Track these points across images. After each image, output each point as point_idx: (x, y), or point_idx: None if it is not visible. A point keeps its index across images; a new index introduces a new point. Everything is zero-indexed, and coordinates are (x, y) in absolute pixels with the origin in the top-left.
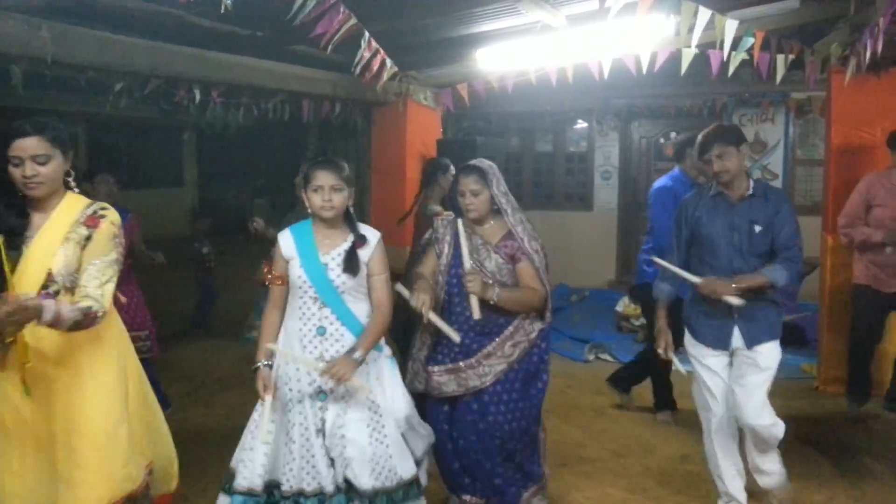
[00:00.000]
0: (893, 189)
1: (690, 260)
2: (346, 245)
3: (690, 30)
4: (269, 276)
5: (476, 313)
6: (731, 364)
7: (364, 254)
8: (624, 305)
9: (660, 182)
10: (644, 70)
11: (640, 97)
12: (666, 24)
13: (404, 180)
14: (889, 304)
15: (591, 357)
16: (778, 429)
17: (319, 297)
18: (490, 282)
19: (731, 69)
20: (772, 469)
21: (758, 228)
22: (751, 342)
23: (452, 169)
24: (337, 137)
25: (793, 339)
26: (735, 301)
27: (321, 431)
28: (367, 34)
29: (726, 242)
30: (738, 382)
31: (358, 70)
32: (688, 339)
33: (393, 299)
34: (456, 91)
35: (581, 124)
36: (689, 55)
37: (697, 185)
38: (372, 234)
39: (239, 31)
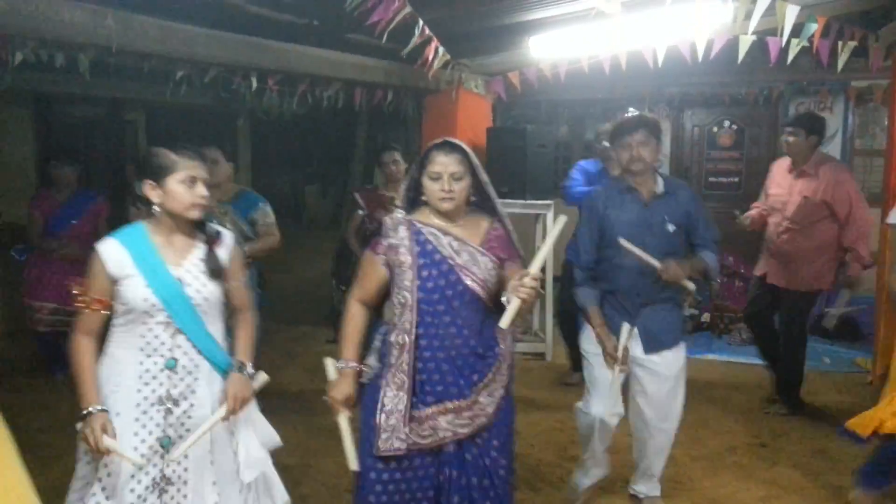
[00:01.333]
0: None
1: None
2: (199, 249)
3: (748, 16)
4: (86, 300)
5: (506, 323)
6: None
7: (223, 254)
8: None
9: None
10: (699, 57)
11: (694, 85)
12: (723, 10)
13: None
14: None
15: None
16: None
17: (174, 322)
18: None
19: (791, 56)
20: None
21: (672, 228)
22: (648, 348)
23: None
24: (386, 125)
25: (846, 332)
26: (690, 286)
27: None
28: (420, 22)
29: (637, 242)
30: (641, 393)
31: (411, 57)
32: (588, 337)
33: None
34: (507, 79)
35: (633, 112)
36: (746, 42)
37: (613, 178)
38: (224, 229)
39: (295, 20)
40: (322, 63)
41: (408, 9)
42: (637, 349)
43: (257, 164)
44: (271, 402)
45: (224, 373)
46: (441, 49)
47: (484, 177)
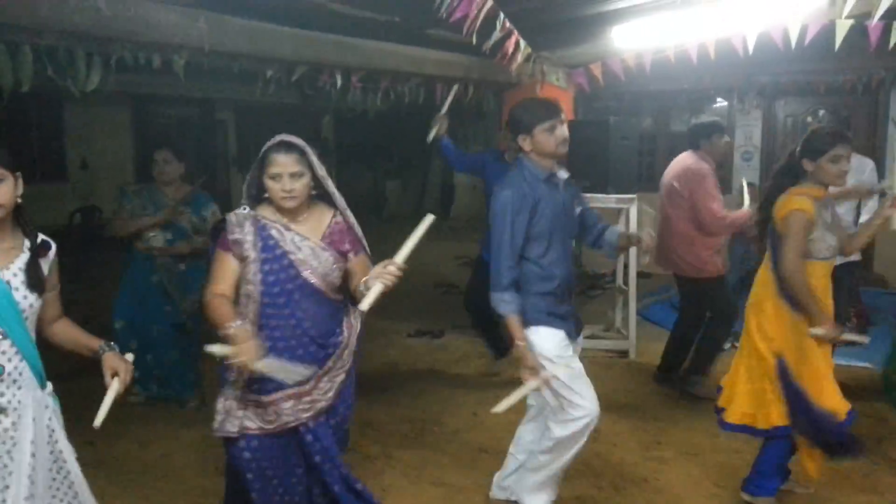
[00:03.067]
0: None
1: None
2: (25, 255)
3: None
4: None
5: (366, 305)
6: None
7: (46, 264)
8: None
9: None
10: (793, 44)
11: (786, 73)
12: None
13: None
14: None
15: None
16: None
17: (0, 327)
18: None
19: (893, 41)
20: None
21: (577, 210)
22: (579, 334)
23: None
24: (466, 120)
25: None
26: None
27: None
28: (501, 15)
29: (564, 229)
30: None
31: (492, 52)
32: (547, 341)
33: None
34: (589, 70)
35: (720, 103)
36: (844, 27)
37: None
38: (50, 240)
39: (377, 17)
40: (404, 59)
41: (490, 2)
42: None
43: (341, 161)
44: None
45: (41, 382)
46: (523, 42)
47: (321, 172)
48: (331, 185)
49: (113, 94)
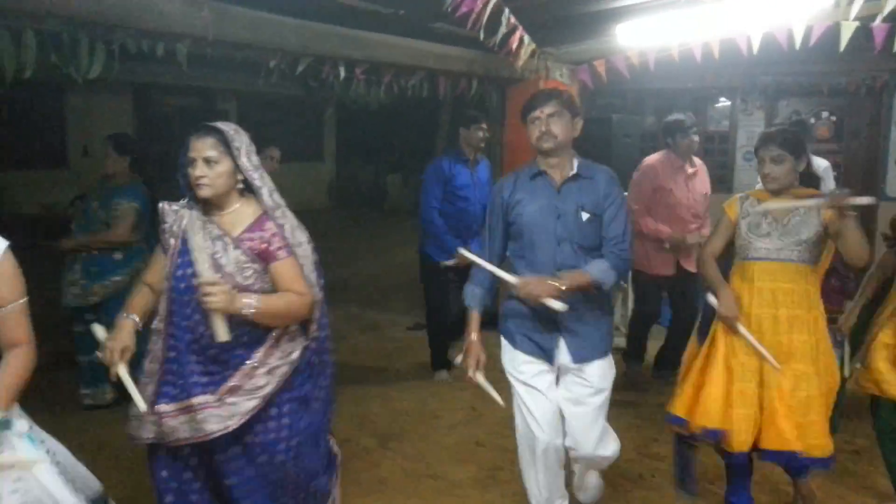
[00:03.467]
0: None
1: (507, 258)
2: None
3: (851, 0)
4: None
5: (222, 334)
6: (557, 383)
7: None
8: None
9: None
10: (797, 45)
11: (790, 74)
12: None
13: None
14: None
15: None
16: (617, 452)
17: None
18: (232, 288)
19: None
20: (594, 483)
21: (585, 216)
22: (578, 358)
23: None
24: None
25: None
26: (556, 305)
27: None
28: (506, 10)
29: (548, 233)
30: (569, 408)
31: (497, 47)
32: (504, 351)
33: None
34: (593, 67)
35: (723, 102)
36: (849, 28)
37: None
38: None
39: (381, 10)
40: (408, 52)
41: None
42: (566, 356)
43: (342, 153)
44: (352, 386)
45: None
46: (527, 38)
47: (245, 162)
48: (258, 179)
49: (115, 82)
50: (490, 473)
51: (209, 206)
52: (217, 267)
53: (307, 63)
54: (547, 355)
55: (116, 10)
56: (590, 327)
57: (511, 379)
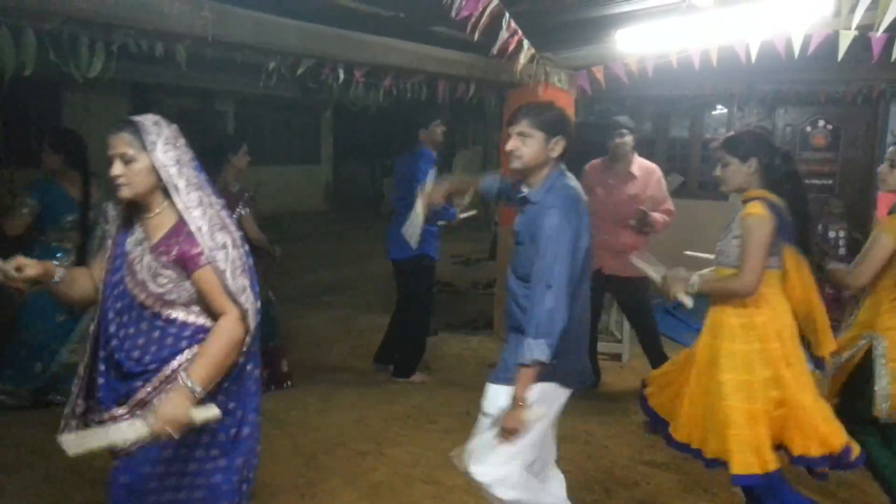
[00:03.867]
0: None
1: None
2: None
3: (852, 10)
4: None
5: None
6: None
7: None
8: None
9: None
10: (796, 53)
11: (787, 82)
12: (824, 2)
13: None
14: None
15: None
16: (488, 481)
17: None
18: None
19: (895, 55)
20: None
21: (530, 245)
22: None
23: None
24: (467, 119)
25: None
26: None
27: None
28: (507, 15)
29: (512, 258)
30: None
31: (496, 52)
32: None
33: None
34: (592, 73)
35: (720, 110)
36: (847, 37)
37: None
38: None
39: (382, 13)
40: (407, 55)
41: (496, 2)
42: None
43: (339, 156)
44: (348, 389)
45: None
46: (526, 43)
47: (160, 156)
48: (175, 175)
49: (112, 81)
50: None
51: (138, 208)
52: (132, 274)
53: (308, 65)
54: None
55: (117, 10)
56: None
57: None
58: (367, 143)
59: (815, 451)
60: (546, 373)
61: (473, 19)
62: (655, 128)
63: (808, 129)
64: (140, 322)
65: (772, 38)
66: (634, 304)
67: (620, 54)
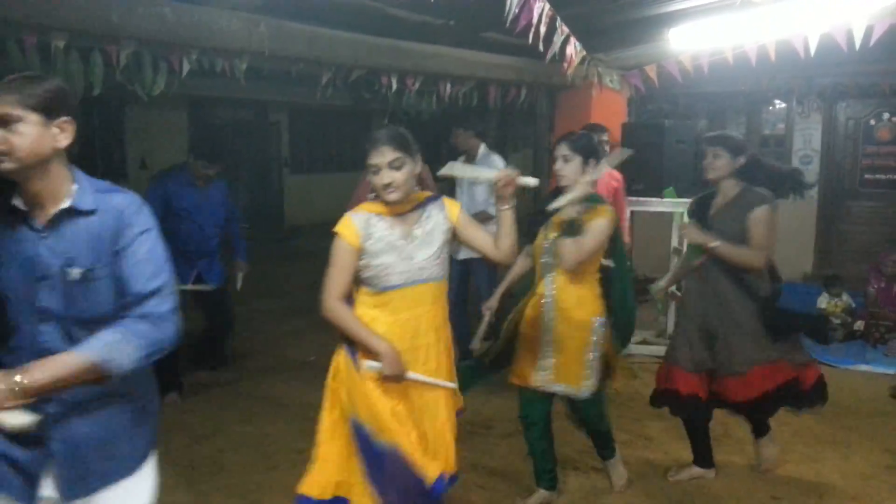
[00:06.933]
0: None
1: None
2: None
3: None
4: None
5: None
6: None
7: None
8: (826, 302)
9: None
10: (857, 45)
11: (848, 75)
12: None
13: None
14: None
15: None
16: None
17: None
18: None
19: None
20: None
21: (75, 273)
22: (75, 488)
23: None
24: (517, 122)
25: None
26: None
27: None
28: (558, 19)
29: (24, 299)
30: None
31: (556, 56)
32: None
33: None
34: (644, 72)
35: (779, 105)
36: None
37: None
38: None
39: (432, 21)
40: (458, 62)
41: (547, 7)
42: (50, 488)
43: None
44: None
45: None
46: (578, 45)
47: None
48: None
49: (171, 96)
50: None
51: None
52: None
53: (360, 75)
54: (15, 490)
55: (179, 30)
56: (97, 432)
57: None
58: (421, 149)
59: None
60: None
61: (533, 28)
62: (711, 125)
63: (872, 122)
64: None
65: (831, 31)
66: None
67: (674, 52)
